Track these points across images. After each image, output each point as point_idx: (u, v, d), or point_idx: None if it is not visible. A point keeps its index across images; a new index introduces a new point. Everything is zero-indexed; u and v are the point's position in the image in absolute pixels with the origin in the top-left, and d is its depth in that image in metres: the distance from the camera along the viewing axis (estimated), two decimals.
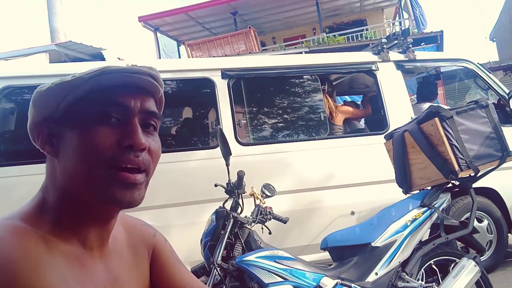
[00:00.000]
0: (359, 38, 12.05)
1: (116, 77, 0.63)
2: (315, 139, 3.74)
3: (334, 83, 4.46)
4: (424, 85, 4.68)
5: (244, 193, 2.52)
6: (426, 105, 3.93)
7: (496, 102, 3.88)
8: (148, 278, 0.76)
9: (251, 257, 2.23)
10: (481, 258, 2.80)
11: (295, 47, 11.52)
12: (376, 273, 2.33)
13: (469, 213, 2.66)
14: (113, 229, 0.71)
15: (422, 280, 2.50)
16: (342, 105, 4.31)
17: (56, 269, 0.57)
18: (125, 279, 0.70)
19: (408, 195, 2.69)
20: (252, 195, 2.56)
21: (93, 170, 0.61)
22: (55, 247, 0.59)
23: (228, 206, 2.49)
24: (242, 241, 2.40)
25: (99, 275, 0.65)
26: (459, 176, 2.36)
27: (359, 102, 4.87)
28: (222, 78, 3.59)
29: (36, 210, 0.63)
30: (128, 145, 0.62)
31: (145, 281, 0.76)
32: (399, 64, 3.96)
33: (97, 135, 0.61)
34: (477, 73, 4.11)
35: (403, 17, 13.46)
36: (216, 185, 2.58)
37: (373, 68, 3.91)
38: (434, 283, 2.45)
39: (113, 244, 0.71)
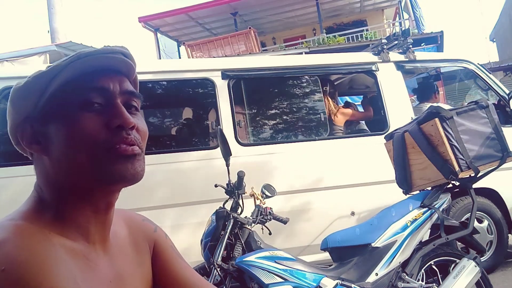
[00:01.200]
0: (359, 39, 12.05)
1: (92, 60, 0.63)
2: (315, 140, 3.75)
3: (335, 83, 4.46)
4: (424, 86, 4.68)
5: (244, 193, 2.52)
6: (428, 105, 3.94)
7: (496, 103, 3.88)
8: (150, 273, 0.76)
9: (251, 258, 2.23)
10: (481, 258, 2.81)
11: (295, 48, 11.52)
12: (376, 274, 2.33)
13: (469, 213, 2.66)
14: (114, 224, 0.71)
15: (422, 281, 2.50)
16: (343, 107, 4.30)
17: (63, 266, 0.56)
18: (128, 274, 0.70)
19: (408, 195, 2.68)
20: (252, 195, 2.56)
21: (90, 156, 0.61)
22: (60, 244, 0.59)
23: (228, 206, 2.49)
24: (242, 242, 2.40)
25: (103, 271, 0.65)
26: (459, 176, 2.36)
27: (359, 103, 4.87)
28: (222, 79, 3.59)
29: (35, 208, 0.63)
30: (118, 125, 0.62)
31: (148, 276, 0.76)
32: (399, 65, 3.96)
33: (84, 122, 0.61)
34: (477, 73, 4.11)
35: (403, 18, 13.47)
36: (216, 186, 2.58)
37: (373, 68, 3.91)
38: (434, 284, 2.45)
39: (115, 240, 0.71)
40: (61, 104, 0.62)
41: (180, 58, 13.80)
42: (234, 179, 2.51)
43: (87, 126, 0.61)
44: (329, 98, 4.04)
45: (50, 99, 0.63)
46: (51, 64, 0.63)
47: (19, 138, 0.65)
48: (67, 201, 0.63)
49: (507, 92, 3.98)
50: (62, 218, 0.62)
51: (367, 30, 12.94)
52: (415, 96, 4.96)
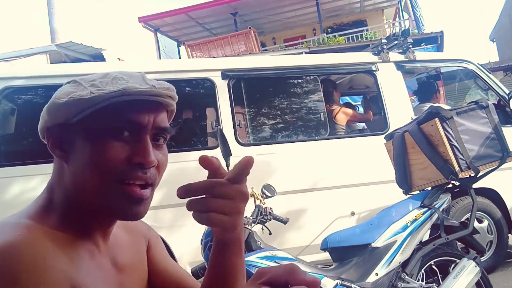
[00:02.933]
0: (359, 39, 12.04)
1: (135, 100, 0.63)
2: (315, 140, 3.75)
3: (336, 82, 4.46)
4: (425, 86, 4.68)
5: None
6: (428, 106, 3.94)
7: (496, 103, 3.88)
8: (146, 270, 0.79)
9: (252, 258, 2.22)
10: (481, 258, 2.81)
11: (295, 48, 11.51)
12: (377, 274, 2.33)
13: (469, 213, 2.66)
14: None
15: (422, 281, 2.50)
16: (344, 106, 4.30)
17: (64, 264, 0.57)
18: (129, 269, 0.73)
19: (408, 195, 2.69)
20: (252, 195, 2.56)
21: (101, 183, 0.63)
22: (63, 243, 0.60)
23: None
24: None
25: (106, 268, 0.67)
26: (459, 176, 2.36)
27: (359, 102, 4.87)
28: (222, 79, 3.59)
29: (42, 208, 0.65)
30: (139, 162, 0.64)
31: (145, 268, 0.79)
32: (399, 65, 3.96)
33: (108, 149, 0.63)
34: (477, 73, 4.11)
35: (403, 18, 13.47)
36: None
37: (373, 68, 3.91)
38: (434, 284, 2.45)
39: (115, 239, 0.73)
40: (93, 125, 0.63)
41: (180, 58, 13.80)
42: None
43: (109, 153, 0.63)
44: (331, 97, 4.04)
45: (85, 118, 0.63)
46: (94, 91, 0.62)
47: (46, 139, 0.67)
48: (74, 211, 0.65)
49: (507, 92, 3.98)
50: (67, 221, 0.64)
51: (367, 30, 12.94)
52: (415, 97, 4.96)
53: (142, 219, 0.86)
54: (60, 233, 0.62)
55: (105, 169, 0.62)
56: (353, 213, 3.58)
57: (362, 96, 5.14)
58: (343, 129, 4.03)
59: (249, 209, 2.54)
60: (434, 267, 2.53)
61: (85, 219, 0.66)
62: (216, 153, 3.10)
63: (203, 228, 2.58)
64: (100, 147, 0.63)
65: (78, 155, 0.64)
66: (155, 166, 0.66)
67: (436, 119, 2.37)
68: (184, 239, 3.24)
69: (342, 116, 4.04)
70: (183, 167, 3.40)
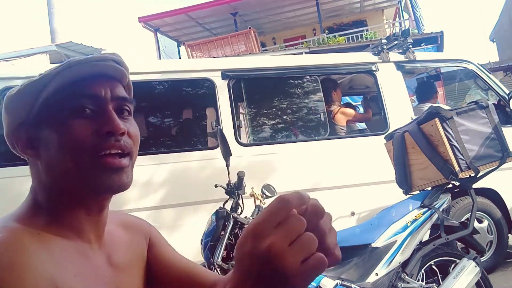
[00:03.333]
0: (359, 39, 12.04)
1: (82, 67, 0.63)
2: (315, 140, 3.75)
3: (338, 82, 4.46)
4: (424, 86, 4.68)
5: (244, 193, 2.52)
6: (427, 106, 3.94)
7: (496, 103, 3.88)
8: (145, 266, 0.78)
9: None
10: (481, 258, 2.81)
11: (295, 48, 11.51)
12: (377, 274, 2.33)
13: (469, 213, 2.66)
14: (110, 225, 0.72)
15: (422, 281, 2.50)
16: (344, 106, 4.30)
17: (49, 265, 0.56)
18: (126, 268, 0.71)
19: (408, 195, 2.69)
20: (252, 195, 2.56)
21: (77, 162, 0.62)
22: (52, 243, 0.59)
23: (228, 206, 2.49)
24: None
25: (100, 267, 0.66)
26: (459, 176, 2.36)
27: (359, 103, 4.87)
28: (222, 79, 3.59)
29: (29, 210, 0.64)
30: (107, 131, 0.63)
31: (143, 268, 0.77)
32: (399, 65, 3.96)
33: (74, 128, 0.62)
34: (477, 73, 4.12)
35: (403, 18, 13.46)
36: (216, 186, 2.59)
37: (373, 68, 3.91)
38: (434, 284, 2.45)
39: (111, 237, 0.72)
40: (53, 110, 0.63)
41: (180, 58, 13.80)
42: (234, 179, 2.51)
43: (76, 132, 0.62)
44: (331, 97, 4.04)
45: (43, 105, 0.64)
46: (42, 73, 0.64)
47: (15, 143, 0.67)
48: (60, 204, 0.64)
49: (507, 92, 3.98)
50: (55, 219, 0.63)
51: (367, 30, 12.93)
52: (415, 97, 4.97)
53: (141, 218, 0.85)
54: (48, 234, 0.60)
55: (75, 149, 0.62)
56: (353, 213, 3.58)
57: (362, 96, 5.14)
58: (343, 129, 4.02)
59: (249, 209, 2.54)
60: (434, 267, 2.53)
61: (72, 211, 0.65)
62: (216, 153, 3.11)
63: (203, 228, 2.58)
64: (65, 129, 0.62)
65: (48, 146, 0.63)
66: (126, 134, 0.65)
67: (436, 119, 2.37)
68: (184, 239, 3.23)
69: (341, 116, 4.03)
70: (183, 167, 3.41)
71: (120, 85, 0.69)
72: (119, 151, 0.64)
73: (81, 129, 0.62)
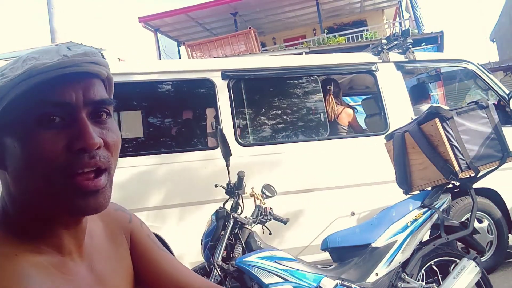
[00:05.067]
0: (359, 39, 12.05)
1: (47, 76, 0.53)
2: (315, 140, 3.75)
3: (339, 81, 4.45)
4: (417, 87, 4.68)
5: (244, 193, 2.52)
6: (424, 106, 3.95)
7: (496, 103, 3.88)
8: (131, 266, 0.72)
9: (251, 258, 2.23)
10: (481, 258, 2.81)
11: (295, 48, 11.51)
12: (377, 274, 2.33)
13: (470, 213, 2.66)
14: (88, 221, 0.65)
15: (422, 281, 2.50)
16: (348, 107, 4.29)
17: (32, 286, 0.51)
18: (109, 273, 0.66)
19: (408, 195, 2.68)
20: (252, 195, 2.56)
21: (48, 184, 0.54)
22: (27, 264, 0.53)
23: (228, 206, 2.49)
24: (242, 242, 2.40)
25: (82, 279, 0.60)
26: (460, 176, 2.36)
27: (359, 103, 4.86)
28: (222, 79, 3.59)
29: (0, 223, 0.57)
30: (80, 148, 0.54)
31: (129, 270, 0.72)
32: (399, 65, 3.96)
33: (41, 142, 0.53)
34: (477, 73, 4.11)
35: (403, 18, 13.46)
36: (216, 186, 2.59)
37: (373, 68, 3.91)
38: (434, 284, 2.45)
39: (90, 240, 0.65)
40: (15, 118, 0.53)
41: (180, 58, 13.81)
42: (234, 179, 2.51)
43: (44, 148, 0.53)
44: (333, 98, 4.03)
45: (4, 111, 0.54)
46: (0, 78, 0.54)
47: None
48: (32, 219, 0.57)
49: (507, 92, 3.98)
50: (29, 235, 0.56)
51: (367, 30, 12.94)
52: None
53: (122, 209, 0.77)
54: (22, 252, 0.53)
55: (45, 168, 0.53)
56: (353, 213, 3.57)
57: (361, 96, 5.14)
58: (345, 129, 4.02)
59: (249, 209, 2.54)
60: (434, 267, 2.53)
61: (47, 227, 0.57)
62: (216, 153, 3.10)
63: (203, 228, 2.58)
64: (31, 142, 0.53)
65: (12, 157, 0.54)
66: (102, 147, 0.56)
67: (436, 119, 2.37)
68: (184, 239, 3.24)
69: (344, 116, 4.03)
70: (183, 167, 3.41)
71: (96, 83, 0.58)
72: (94, 168, 0.55)
73: (49, 144, 0.53)
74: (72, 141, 0.54)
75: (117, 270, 0.68)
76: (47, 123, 0.54)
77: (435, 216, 2.46)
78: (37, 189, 0.55)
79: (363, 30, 12.87)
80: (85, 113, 0.56)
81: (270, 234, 2.54)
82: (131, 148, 3.56)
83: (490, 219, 3.71)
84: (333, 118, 3.96)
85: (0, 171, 0.58)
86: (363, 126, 4.42)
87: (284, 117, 3.92)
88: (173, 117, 3.96)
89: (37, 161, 0.53)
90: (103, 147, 0.57)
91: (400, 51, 4.05)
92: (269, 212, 2.51)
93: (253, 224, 2.47)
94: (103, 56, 0.61)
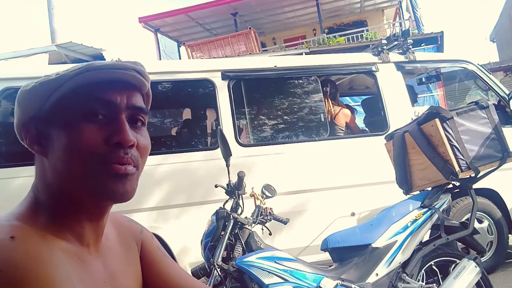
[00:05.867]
0: (360, 39, 12.05)
1: (101, 73, 0.62)
2: (315, 140, 3.75)
3: (337, 83, 4.45)
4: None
5: (244, 194, 2.52)
6: (414, 108, 3.97)
7: (496, 103, 3.88)
8: (140, 272, 0.77)
9: (251, 258, 2.23)
10: (481, 259, 2.80)
11: (296, 48, 11.52)
12: (377, 274, 2.33)
13: (470, 214, 2.66)
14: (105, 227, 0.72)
15: (422, 281, 2.50)
16: (345, 107, 4.29)
17: (59, 267, 0.57)
18: (121, 274, 0.70)
19: (408, 196, 2.69)
20: (252, 196, 2.56)
21: (84, 168, 0.61)
22: (55, 245, 0.59)
23: (228, 207, 2.49)
24: (243, 242, 2.40)
25: (97, 271, 0.65)
26: (460, 177, 2.36)
27: (359, 103, 4.86)
28: (222, 79, 3.59)
29: (30, 209, 0.63)
30: (116, 142, 0.62)
31: (138, 274, 0.76)
32: (399, 65, 3.96)
33: (84, 133, 0.61)
34: (477, 74, 4.11)
35: (403, 18, 13.47)
36: (216, 186, 2.59)
37: (373, 69, 3.91)
38: (434, 284, 2.45)
39: (106, 241, 0.71)
40: (66, 110, 0.62)
41: (180, 58, 13.82)
42: (234, 179, 2.51)
43: (86, 138, 0.61)
44: (330, 99, 4.04)
45: (56, 103, 0.62)
46: (59, 72, 0.63)
47: (23, 136, 0.66)
48: (62, 206, 0.63)
49: (507, 92, 3.98)
50: (57, 221, 0.63)
51: (367, 30, 12.95)
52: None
53: (134, 221, 0.83)
54: (50, 235, 0.60)
55: (84, 154, 0.61)
56: (353, 214, 3.57)
57: (361, 96, 5.14)
58: (342, 129, 4.02)
59: (249, 210, 2.54)
60: (434, 267, 2.53)
61: (74, 215, 0.64)
62: (216, 154, 3.10)
63: (203, 229, 2.58)
64: (75, 132, 0.61)
65: (56, 146, 0.62)
66: (135, 146, 0.64)
67: (436, 120, 2.37)
68: (184, 240, 3.24)
69: (341, 117, 4.03)
70: (183, 167, 3.41)
71: (138, 94, 0.67)
72: (123, 165, 0.63)
73: (91, 135, 0.61)
74: (111, 135, 0.62)
75: (128, 273, 0.73)
76: (92, 118, 0.62)
77: (435, 217, 2.46)
78: (73, 172, 0.61)
79: (363, 30, 12.88)
80: (124, 115, 0.64)
81: (270, 234, 2.54)
82: None
83: (490, 219, 3.71)
84: (330, 119, 3.96)
85: (39, 159, 0.65)
86: (361, 127, 4.42)
87: (284, 117, 3.92)
88: (173, 118, 3.96)
89: (78, 148, 0.61)
90: (135, 148, 0.65)
91: (400, 51, 4.05)
92: (269, 213, 2.51)
93: (253, 225, 2.47)
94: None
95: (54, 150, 0.62)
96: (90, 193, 0.62)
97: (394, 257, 2.36)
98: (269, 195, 2.59)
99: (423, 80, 5.05)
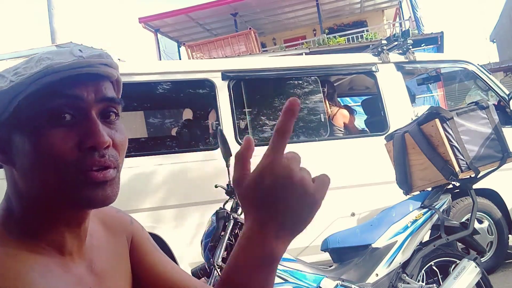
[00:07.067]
0: (360, 39, 12.06)
1: (63, 75, 0.54)
2: (315, 140, 3.75)
3: (335, 84, 4.45)
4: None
5: None
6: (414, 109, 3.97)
7: (496, 103, 3.88)
8: (129, 267, 0.73)
9: None
10: (481, 259, 2.80)
11: (296, 48, 11.53)
12: (377, 274, 2.33)
13: (470, 214, 2.66)
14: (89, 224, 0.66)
15: (422, 281, 2.50)
16: (344, 108, 4.29)
17: (37, 286, 0.52)
18: (108, 273, 0.66)
19: (408, 196, 2.69)
20: None
21: (57, 178, 0.55)
22: (29, 263, 0.54)
23: (228, 207, 2.49)
24: None
25: (83, 278, 0.61)
26: (460, 177, 2.36)
27: (359, 103, 4.86)
28: (222, 80, 3.59)
29: (2, 224, 0.57)
30: (90, 146, 0.55)
31: (128, 270, 0.72)
32: (399, 66, 3.96)
33: (52, 140, 0.54)
34: (477, 74, 4.12)
35: (403, 18, 13.47)
36: (216, 186, 2.59)
37: (373, 69, 3.91)
38: (434, 284, 2.45)
39: (91, 240, 0.66)
40: (27, 114, 0.54)
41: (180, 58, 13.82)
42: None
43: (55, 145, 0.54)
44: (327, 99, 4.04)
45: (17, 107, 0.55)
46: (13, 81, 0.55)
47: None
48: (37, 216, 0.58)
49: (507, 92, 3.98)
50: (32, 233, 0.57)
51: (367, 30, 12.95)
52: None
53: (123, 212, 0.78)
54: (24, 252, 0.54)
55: (56, 163, 0.54)
56: (353, 214, 3.57)
57: (361, 96, 5.14)
58: (341, 130, 4.03)
59: None
60: (434, 267, 2.53)
61: (51, 224, 0.58)
62: (216, 154, 3.11)
63: (203, 229, 2.58)
64: (42, 139, 0.54)
65: (21, 154, 0.55)
66: (111, 146, 0.57)
67: (437, 120, 2.38)
68: (184, 240, 3.24)
69: (339, 117, 4.04)
70: (183, 167, 3.41)
71: (106, 83, 0.59)
72: (103, 167, 0.56)
73: (60, 141, 0.54)
74: (83, 139, 0.55)
75: (117, 270, 0.69)
76: (58, 120, 0.55)
77: (435, 217, 2.46)
78: (47, 183, 0.55)
79: (363, 30, 12.89)
80: (95, 111, 0.57)
81: None
82: (131, 148, 3.56)
83: (490, 219, 3.71)
84: (327, 119, 3.96)
85: (7, 167, 0.59)
86: (360, 127, 4.42)
87: None
88: (173, 118, 3.96)
89: (48, 157, 0.54)
90: (112, 147, 0.58)
91: (400, 51, 4.05)
92: None
93: None
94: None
95: (20, 158, 0.56)
96: (67, 202, 0.57)
97: (394, 258, 2.36)
98: None
99: (423, 81, 5.05)
